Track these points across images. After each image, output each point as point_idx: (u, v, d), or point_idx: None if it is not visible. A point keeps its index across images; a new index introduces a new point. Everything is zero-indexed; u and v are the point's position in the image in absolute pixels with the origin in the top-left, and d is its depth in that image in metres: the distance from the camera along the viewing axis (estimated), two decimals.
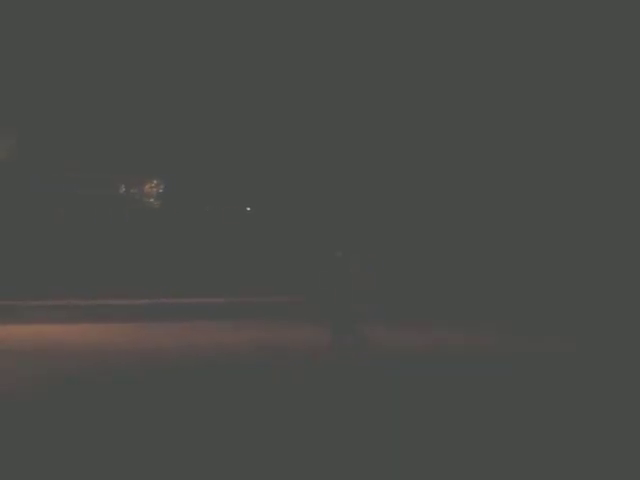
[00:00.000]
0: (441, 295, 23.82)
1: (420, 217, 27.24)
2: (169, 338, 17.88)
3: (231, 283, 23.24)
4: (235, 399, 11.42)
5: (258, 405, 11.05)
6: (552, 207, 27.06)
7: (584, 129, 26.91)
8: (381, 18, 26.79)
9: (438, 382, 13.14)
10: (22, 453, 8.52)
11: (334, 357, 15.47)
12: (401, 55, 26.99)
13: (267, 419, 10.23)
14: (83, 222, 25.79)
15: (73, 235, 25.10)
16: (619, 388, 13.05)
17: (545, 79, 26.90)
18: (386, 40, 26.74)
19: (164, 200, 27.60)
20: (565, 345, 18.10)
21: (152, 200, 27.59)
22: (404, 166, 27.46)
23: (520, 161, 27.16)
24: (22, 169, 25.59)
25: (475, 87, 27.07)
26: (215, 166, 27.49)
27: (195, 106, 26.91)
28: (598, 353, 17.23)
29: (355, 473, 8.09)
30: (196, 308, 21.75)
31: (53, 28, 25.57)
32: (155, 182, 27.84)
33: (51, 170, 25.91)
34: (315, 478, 8.00)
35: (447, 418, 10.54)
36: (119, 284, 22.89)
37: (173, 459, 8.42)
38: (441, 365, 14.90)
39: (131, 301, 21.95)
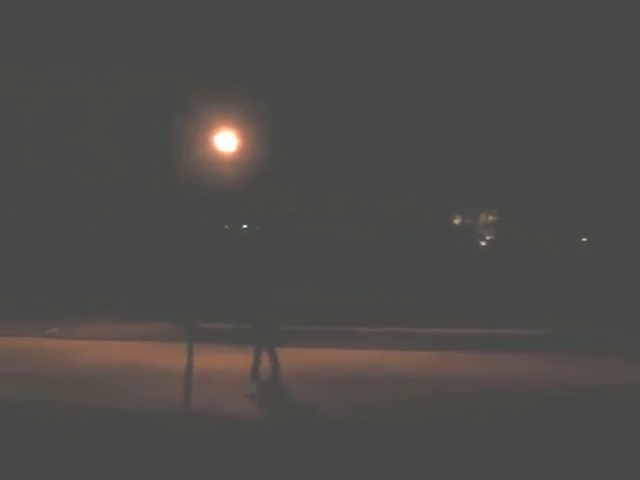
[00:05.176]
0: None
1: None
2: (489, 368, 17.35)
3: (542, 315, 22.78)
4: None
5: None
6: None
7: None
8: None
9: None
10: None
11: None
12: None
13: None
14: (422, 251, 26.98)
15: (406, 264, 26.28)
16: None
17: None
18: None
19: (497, 230, 28.12)
20: None
21: (485, 231, 28.25)
22: None
23: None
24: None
25: None
26: (548, 196, 27.47)
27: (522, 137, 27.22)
28: None
29: None
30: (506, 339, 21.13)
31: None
32: (489, 212, 28.50)
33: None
34: None
35: None
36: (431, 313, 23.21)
37: None
38: None
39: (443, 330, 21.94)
